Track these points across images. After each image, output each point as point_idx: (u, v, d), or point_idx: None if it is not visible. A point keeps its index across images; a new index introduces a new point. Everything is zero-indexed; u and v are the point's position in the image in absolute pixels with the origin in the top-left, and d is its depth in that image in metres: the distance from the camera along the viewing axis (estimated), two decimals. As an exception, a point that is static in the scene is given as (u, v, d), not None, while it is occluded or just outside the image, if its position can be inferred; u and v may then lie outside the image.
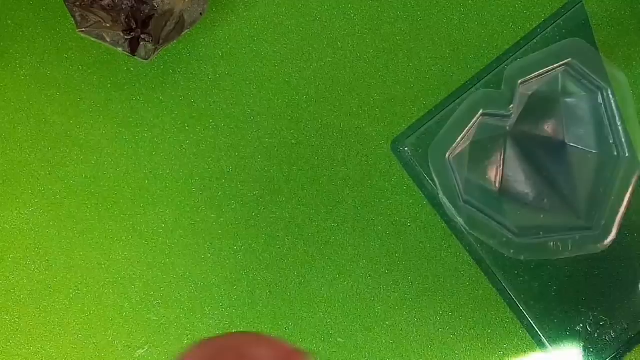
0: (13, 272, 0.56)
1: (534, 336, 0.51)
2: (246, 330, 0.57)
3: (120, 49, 0.51)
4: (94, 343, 0.57)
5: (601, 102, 0.49)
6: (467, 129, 0.48)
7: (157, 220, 0.56)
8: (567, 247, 0.49)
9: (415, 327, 0.57)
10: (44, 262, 0.56)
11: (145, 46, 0.51)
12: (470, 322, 0.57)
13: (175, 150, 0.56)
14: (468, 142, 0.49)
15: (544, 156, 0.50)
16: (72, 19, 0.51)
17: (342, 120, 0.56)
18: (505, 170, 0.50)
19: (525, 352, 0.57)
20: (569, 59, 0.48)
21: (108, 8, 0.51)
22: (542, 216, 0.50)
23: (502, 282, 0.51)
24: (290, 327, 0.57)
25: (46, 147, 0.56)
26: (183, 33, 0.52)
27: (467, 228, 0.49)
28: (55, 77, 0.55)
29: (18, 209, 0.56)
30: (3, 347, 0.57)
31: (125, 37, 0.51)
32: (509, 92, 0.49)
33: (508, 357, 0.57)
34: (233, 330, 0.57)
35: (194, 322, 0.57)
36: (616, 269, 0.52)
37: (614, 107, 0.49)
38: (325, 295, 0.57)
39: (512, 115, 0.49)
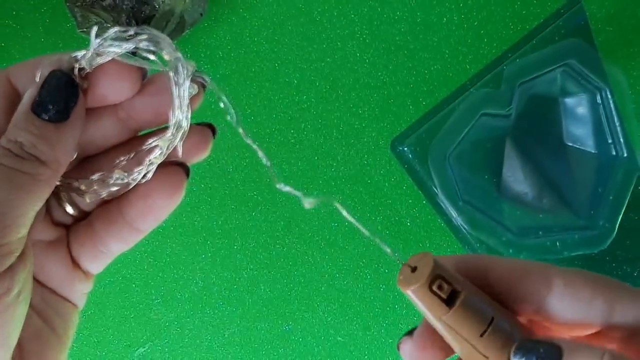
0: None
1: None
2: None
3: (121, 49, 0.51)
4: (95, 342, 0.57)
5: (600, 102, 0.49)
6: (466, 129, 0.48)
7: (158, 219, 0.56)
8: (566, 247, 0.49)
9: (414, 326, 0.57)
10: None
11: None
12: (470, 322, 0.57)
13: (175, 150, 0.56)
14: (468, 142, 0.49)
15: (543, 156, 0.50)
16: (73, 20, 0.51)
17: (342, 120, 0.56)
18: (505, 170, 0.50)
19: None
20: (568, 59, 0.48)
21: (109, 8, 0.51)
22: (541, 216, 0.50)
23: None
24: (290, 326, 0.57)
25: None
26: (183, 33, 0.52)
27: (467, 228, 0.49)
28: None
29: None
30: (4, 346, 0.57)
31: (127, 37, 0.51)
32: (509, 92, 0.48)
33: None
34: (231, 331, 0.57)
35: (194, 321, 0.57)
36: (615, 269, 0.52)
37: (613, 107, 0.49)
38: (324, 294, 0.57)
39: (512, 115, 0.49)
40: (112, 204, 0.27)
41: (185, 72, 0.25)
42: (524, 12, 0.55)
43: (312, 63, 0.55)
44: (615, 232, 0.48)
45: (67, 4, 0.50)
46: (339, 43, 0.55)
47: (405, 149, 0.48)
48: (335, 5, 0.55)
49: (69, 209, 0.27)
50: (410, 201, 0.56)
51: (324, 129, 0.56)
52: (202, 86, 0.26)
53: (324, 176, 0.56)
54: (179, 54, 0.25)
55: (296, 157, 0.56)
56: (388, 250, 0.25)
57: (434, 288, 0.23)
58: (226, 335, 0.57)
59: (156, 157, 0.26)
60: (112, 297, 0.56)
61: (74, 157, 0.26)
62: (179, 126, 0.26)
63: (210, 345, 0.57)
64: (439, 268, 0.23)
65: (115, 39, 0.25)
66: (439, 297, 0.23)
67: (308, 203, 0.26)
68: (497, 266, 0.24)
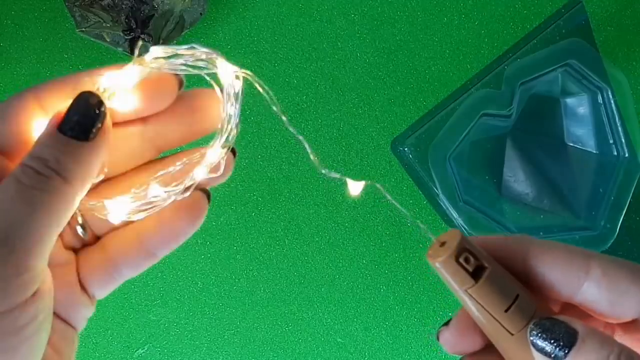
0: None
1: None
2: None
3: (120, 49, 0.51)
4: (94, 343, 0.57)
5: (601, 102, 0.49)
6: (467, 129, 0.48)
7: (157, 220, 0.56)
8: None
9: (415, 327, 0.57)
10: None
11: (145, 46, 0.51)
12: (470, 322, 0.57)
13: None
14: (468, 143, 0.49)
15: (544, 156, 0.50)
16: (72, 19, 0.51)
17: (342, 120, 0.56)
18: (505, 170, 0.50)
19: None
20: (569, 59, 0.48)
21: (108, 8, 0.51)
22: (542, 216, 0.50)
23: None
24: (290, 327, 0.57)
25: (46, 147, 0.56)
26: (183, 33, 0.52)
27: (467, 228, 0.49)
28: (55, 76, 0.55)
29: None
30: (3, 347, 0.57)
31: (125, 37, 0.51)
32: (509, 93, 0.48)
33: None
34: (230, 332, 0.57)
35: (194, 322, 0.57)
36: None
37: (614, 107, 0.49)
38: (324, 295, 0.57)
39: (512, 116, 0.49)
40: (128, 229, 0.27)
41: (240, 88, 0.26)
42: (524, 12, 0.55)
43: (312, 63, 0.55)
44: (616, 233, 0.48)
45: (66, 4, 0.50)
46: (339, 43, 0.55)
47: (406, 149, 0.48)
48: (336, 5, 0.55)
49: (81, 233, 0.27)
50: (410, 202, 0.56)
51: (323, 129, 0.56)
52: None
53: (324, 176, 0.56)
54: (237, 68, 0.25)
55: (296, 157, 0.56)
56: (424, 227, 0.26)
57: (461, 260, 0.23)
58: (226, 337, 0.57)
59: (200, 170, 0.26)
60: (111, 298, 0.56)
61: (98, 179, 0.25)
62: (226, 141, 0.26)
63: (210, 347, 0.57)
64: (465, 242, 0.24)
65: (161, 56, 0.25)
66: (465, 269, 0.23)
67: (354, 189, 0.27)
68: (539, 248, 0.24)
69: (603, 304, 0.23)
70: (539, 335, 0.22)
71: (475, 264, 0.23)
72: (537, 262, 0.24)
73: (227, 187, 0.56)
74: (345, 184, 0.27)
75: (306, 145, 0.26)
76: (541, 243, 0.24)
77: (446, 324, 0.25)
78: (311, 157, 0.27)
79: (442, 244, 0.24)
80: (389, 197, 0.27)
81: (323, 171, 0.27)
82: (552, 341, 0.22)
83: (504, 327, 0.23)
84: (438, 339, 0.25)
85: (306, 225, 0.56)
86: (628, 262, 0.24)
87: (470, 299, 0.23)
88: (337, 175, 0.27)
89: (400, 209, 0.27)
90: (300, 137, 0.27)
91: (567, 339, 0.22)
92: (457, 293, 0.24)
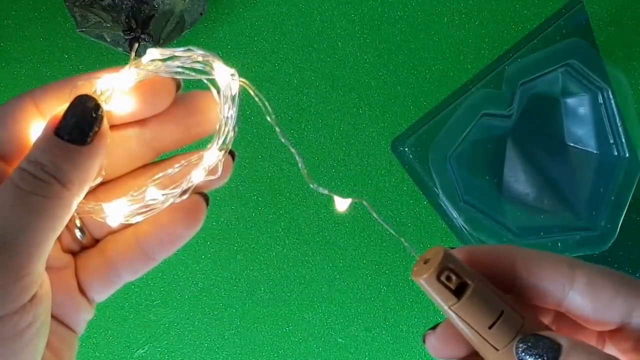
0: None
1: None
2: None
3: (120, 49, 0.51)
4: (94, 343, 0.56)
5: (601, 102, 0.49)
6: (467, 129, 0.48)
7: (157, 220, 0.56)
8: (568, 248, 0.49)
9: (415, 328, 0.57)
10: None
11: (145, 46, 0.51)
12: (471, 322, 0.57)
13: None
14: (468, 143, 0.49)
15: (544, 156, 0.50)
16: (72, 19, 0.51)
17: (342, 120, 0.56)
18: (506, 170, 0.50)
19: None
20: (570, 59, 0.48)
21: (108, 8, 0.51)
22: (542, 216, 0.50)
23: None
24: (290, 327, 0.57)
25: (46, 147, 0.55)
26: (183, 33, 0.52)
27: (468, 228, 0.49)
28: (55, 76, 0.55)
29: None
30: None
31: (126, 37, 0.50)
32: (510, 93, 0.48)
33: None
34: (231, 332, 0.57)
35: (194, 322, 0.57)
36: (616, 270, 0.52)
37: (614, 107, 0.49)
38: (325, 295, 0.57)
39: (513, 116, 0.49)
40: (127, 232, 0.27)
41: (237, 91, 0.25)
42: (525, 11, 0.55)
43: (312, 63, 0.55)
44: (616, 233, 0.48)
45: (67, 4, 0.50)
46: (339, 43, 0.55)
47: (406, 149, 0.48)
48: (336, 5, 0.55)
49: (79, 236, 0.27)
50: (411, 202, 0.56)
51: (324, 129, 0.56)
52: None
53: (324, 177, 0.56)
54: (233, 71, 0.25)
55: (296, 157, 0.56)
56: (408, 246, 0.27)
57: (442, 279, 0.24)
58: (226, 337, 0.57)
59: (198, 173, 0.26)
60: (111, 298, 0.56)
61: (96, 182, 0.25)
62: (223, 143, 0.26)
63: (210, 347, 0.57)
64: (448, 260, 0.24)
65: (158, 58, 0.25)
66: (448, 287, 0.23)
67: (341, 205, 0.27)
68: (525, 257, 0.25)
69: (587, 312, 0.24)
70: (524, 351, 0.23)
71: (457, 282, 0.23)
72: (523, 272, 0.24)
73: (227, 187, 0.56)
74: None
75: (298, 159, 0.26)
76: (528, 252, 0.25)
77: (433, 328, 0.26)
78: (302, 171, 0.26)
79: (426, 261, 0.25)
80: (375, 215, 0.27)
81: (312, 186, 0.27)
82: (537, 357, 0.22)
83: (489, 343, 0.23)
84: (424, 341, 0.26)
85: (306, 225, 0.56)
86: (613, 271, 0.24)
87: (455, 316, 0.24)
88: (326, 192, 0.27)
89: (386, 227, 0.27)
90: (294, 150, 0.27)
91: (551, 354, 0.22)
92: (441, 309, 0.24)
